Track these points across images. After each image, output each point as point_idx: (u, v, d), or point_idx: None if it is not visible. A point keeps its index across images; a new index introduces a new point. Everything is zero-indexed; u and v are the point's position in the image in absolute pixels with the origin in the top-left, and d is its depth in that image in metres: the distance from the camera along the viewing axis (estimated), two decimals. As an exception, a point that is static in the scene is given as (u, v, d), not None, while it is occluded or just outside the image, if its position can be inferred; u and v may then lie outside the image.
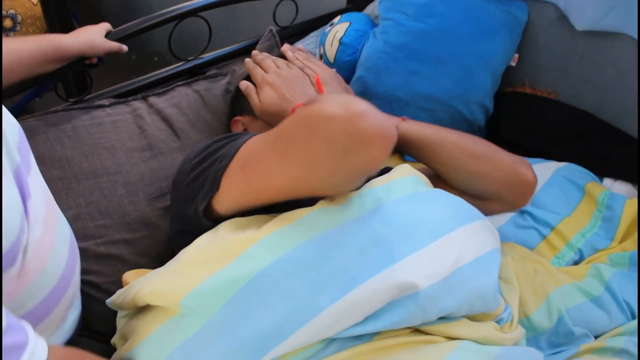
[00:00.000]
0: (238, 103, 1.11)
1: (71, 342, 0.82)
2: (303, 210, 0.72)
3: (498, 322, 0.80)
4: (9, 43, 0.96)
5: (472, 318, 0.77)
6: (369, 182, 0.79)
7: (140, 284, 0.71)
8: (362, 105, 0.62)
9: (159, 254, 0.99)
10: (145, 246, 0.99)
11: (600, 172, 1.24)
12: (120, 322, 0.78)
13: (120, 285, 0.93)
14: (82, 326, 0.93)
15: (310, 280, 0.66)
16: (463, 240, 0.76)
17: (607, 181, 1.24)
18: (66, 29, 1.55)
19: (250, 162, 0.71)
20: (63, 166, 1.01)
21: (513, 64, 1.36)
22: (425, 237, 0.73)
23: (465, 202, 0.83)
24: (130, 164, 1.05)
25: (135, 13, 2.44)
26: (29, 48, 0.98)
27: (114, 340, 0.79)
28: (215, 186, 0.74)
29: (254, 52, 1.05)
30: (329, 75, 1.01)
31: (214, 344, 0.64)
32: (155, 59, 2.42)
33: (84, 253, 0.95)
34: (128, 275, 0.84)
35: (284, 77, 0.96)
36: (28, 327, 0.56)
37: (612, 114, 1.29)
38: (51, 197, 0.79)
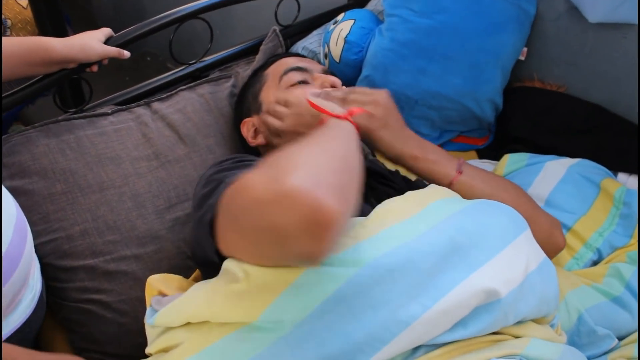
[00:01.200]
0: (243, 105, 1.08)
1: (28, 322, 0.80)
2: (380, 224, 0.71)
3: (551, 326, 0.81)
4: None
5: (534, 321, 0.78)
6: (427, 195, 0.79)
7: (202, 298, 0.67)
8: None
9: (171, 268, 0.96)
10: (156, 261, 0.95)
11: (614, 166, 1.22)
12: (155, 331, 0.74)
13: (131, 302, 0.90)
14: (92, 347, 0.90)
15: (401, 289, 0.64)
16: (527, 246, 0.77)
17: (622, 176, 1.22)
18: (59, 32, 1.50)
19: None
20: (67, 179, 0.98)
21: (522, 58, 1.34)
22: (496, 245, 0.73)
23: (515, 210, 0.82)
24: (137, 174, 1.02)
25: (128, 15, 2.39)
26: (12, 49, 0.92)
27: (150, 350, 0.75)
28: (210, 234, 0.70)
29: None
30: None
31: (296, 358, 0.61)
32: (148, 58, 2.36)
33: (93, 271, 0.92)
34: (155, 280, 0.80)
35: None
36: None
37: (624, 107, 1.26)
38: None
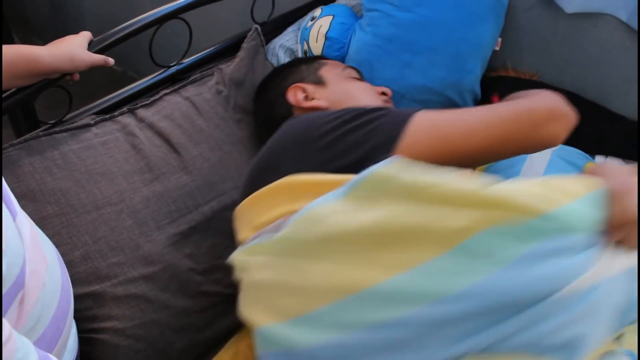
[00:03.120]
0: (296, 71, 1.09)
1: None
2: None
3: None
4: None
5: None
6: None
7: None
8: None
9: (183, 285, 0.91)
10: (166, 279, 0.90)
11: (592, 150, 1.27)
12: None
13: (145, 326, 0.85)
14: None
15: None
16: None
17: (599, 158, 1.28)
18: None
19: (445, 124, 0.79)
20: (58, 200, 0.90)
21: (497, 48, 1.36)
22: None
23: None
24: (132, 189, 0.96)
25: (65, 15, 2.23)
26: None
27: None
28: (391, 141, 0.76)
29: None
30: None
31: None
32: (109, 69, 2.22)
33: (100, 297, 0.86)
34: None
35: None
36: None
37: (594, 93, 1.31)
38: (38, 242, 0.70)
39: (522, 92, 0.92)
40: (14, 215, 0.62)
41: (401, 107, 1.28)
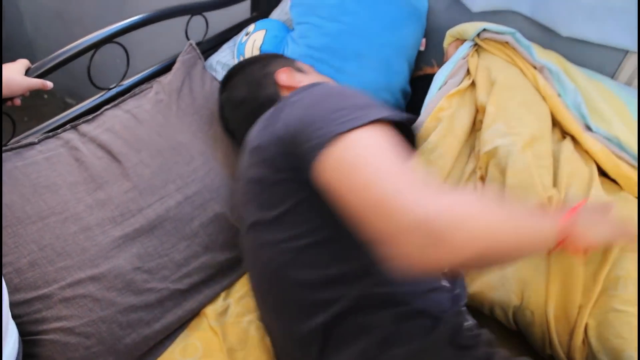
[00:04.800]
0: (274, 62, 1.13)
1: None
2: None
3: None
4: None
5: None
6: None
7: None
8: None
9: (129, 283, 0.96)
10: (112, 278, 0.94)
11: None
12: None
13: (94, 324, 0.90)
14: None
15: None
16: None
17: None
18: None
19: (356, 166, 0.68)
20: (4, 213, 0.94)
21: (422, 48, 1.46)
22: None
23: None
24: (76, 199, 1.00)
25: (13, 47, 2.29)
26: None
27: None
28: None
29: None
30: None
31: None
32: (45, 96, 2.28)
33: (49, 299, 0.90)
34: None
35: None
36: None
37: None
38: None
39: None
40: None
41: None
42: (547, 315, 0.93)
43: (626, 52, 1.25)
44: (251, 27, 1.42)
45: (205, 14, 1.39)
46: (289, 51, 1.36)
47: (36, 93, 2.33)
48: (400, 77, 1.39)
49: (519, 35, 1.22)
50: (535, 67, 1.18)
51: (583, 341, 0.91)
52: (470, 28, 1.26)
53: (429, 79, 1.47)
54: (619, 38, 1.22)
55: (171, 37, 1.42)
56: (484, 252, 0.60)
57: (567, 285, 0.92)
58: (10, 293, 0.88)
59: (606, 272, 0.91)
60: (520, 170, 0.99)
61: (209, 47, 1.43)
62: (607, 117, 1.09)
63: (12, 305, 0.88)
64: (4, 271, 0.89)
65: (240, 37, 1.42)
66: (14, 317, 0.87)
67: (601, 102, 1.13)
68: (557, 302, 0.93)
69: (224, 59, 1.42)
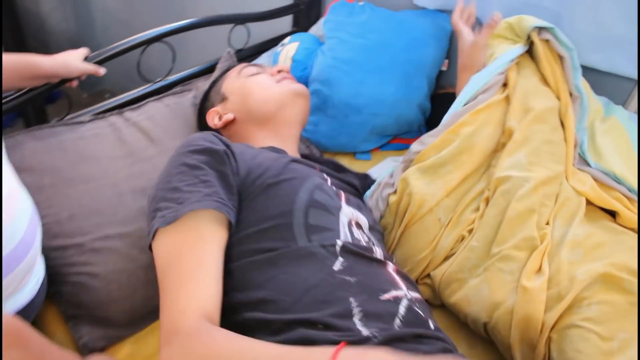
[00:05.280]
0: (207, 102, 1.22)
1: (31, 304, 0.91)
2: None
3: None
4: None
5: None
6: None
7: None
8: None
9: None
10: (136, 238, 1.08)
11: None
12: None
13: (116, 273, 1.03)
14: (83, 313, 1.01)
15: None
16: None
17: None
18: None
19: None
20: (53, 175, 1.10)
21: (444, 68, 1.56)
22: None
23: None
24: (115, 169, 1.16)
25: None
26: (9, 65, 1.06)
27: None
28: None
29: None
30: None
31: None
32: (107, 95, 2.52)
33: (81, 247, 1.04)
34: None
35: None
36: None
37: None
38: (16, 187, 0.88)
39: None
40: None
41: (359, 120, 1.47)
42: (512, 336, 0.96)
43: (637, 81, 1.32)
44: (287, 39, 1.57)
45: (248, 24, 1.55)
46: (318, 62, 1.49)
47: (98, 92, 2.57)
48: (419, 92, 1.50)
49: (574, 53, 1.20)
50: (571, 94, 1.20)
51: (544, 357, 0.94)
52: (530, 22, 1.22)
53: (449, 97, 1.58)
54: (624, 67, 1.29)
55: (215, 42, 1.58)
56: None
57: (529, 312, 0.95)
58: (48, 239, 1.03)
59: (574, 295, 0.93)
60: (525, 208, 1.01)
61: (249, 54, 1.58)
62: (606, 153, 1.15)
63: (49, 249, 1.03)
64: (44, 221, 1.05)
65: (277, 47, 1.57)
66: (49, 259, 1.02)
67: (602, 137, 1.18)
68: (521, 327, 0.95)
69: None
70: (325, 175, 1.06)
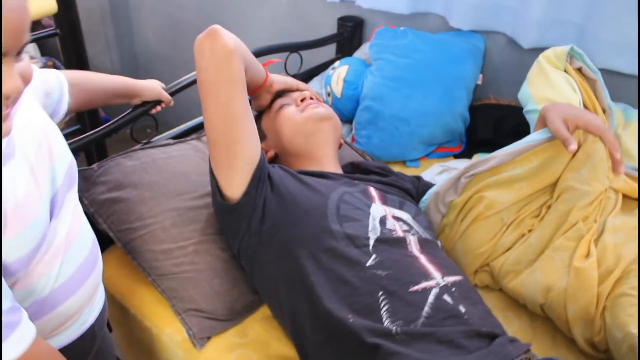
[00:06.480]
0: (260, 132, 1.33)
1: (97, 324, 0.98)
2: None
3: None
4: (97, 76, 1.21)
5: None
6: None
7: None
8: None
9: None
10: (220, 240, 1.23)
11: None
12: None
13: (216, 271, 1.18)
14: (193, 307, 1.14)
15: None
16: None
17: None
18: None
19: None
20: (153, 189, 1.26)
21: (479, 82, 1.72)
22: None
23: None
24: (202, 184, 1.31)
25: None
26: (109, 82, 1.23)
27: None
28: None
29: None
30: None
31: None
32: (148, 130, 2.69)
33: (185, 249, 1.19)
34: None
35: None
36: (23, 312, 0.71)
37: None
38: (80, 216, 0.92)
39: None
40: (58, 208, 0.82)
41: (408, 131, 1.61)
42: (568, 313, 1.10)
43: (637, 81, 1.46)
44: (336, 63, 1.74)
45: (300, 52, 1.72)
46: (368, 82, 1.65)
47: (141, 128, 2.74)
48: (460, 103, 1.65)
49: (600, 76, 1.32)
50: (604, 110, 1.31)
51: (600, 328, 1.08)
52: (560, 50, 1.34)
53: (486, 107, 1.73)
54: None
55: (274, 69, 1.75)
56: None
57: (584, 287, 1.09)
58: (156, 243, 1.18)
59: (622, 269, 1.09)
60: (583, 216, 1.15)
61: (303, 78, 1.75)
62: (633, 153, 1.32)
63: (157, 252, 1.18)
64: (150, 228, 1.20)
65: (328, 70, 1.74)
66: (157, 260, 1.18)
67: (628, 139, 1.36)
68: (577, 303, 1.09)
69: (314, 87, 1.73)
70: (362, 183, 1.20)
